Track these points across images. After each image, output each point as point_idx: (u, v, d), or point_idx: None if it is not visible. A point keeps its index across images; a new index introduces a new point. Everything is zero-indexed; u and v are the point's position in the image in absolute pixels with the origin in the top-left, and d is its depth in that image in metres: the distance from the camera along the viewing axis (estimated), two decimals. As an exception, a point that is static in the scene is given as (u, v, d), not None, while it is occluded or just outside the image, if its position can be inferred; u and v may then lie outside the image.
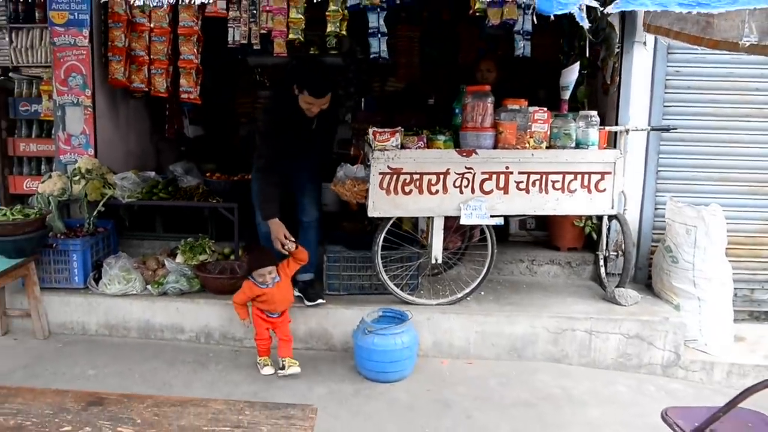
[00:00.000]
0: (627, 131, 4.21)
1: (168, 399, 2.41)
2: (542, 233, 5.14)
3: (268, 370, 3.74)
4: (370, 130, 3.75)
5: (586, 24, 1.79)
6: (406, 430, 3.21)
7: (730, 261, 4.39)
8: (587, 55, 4.76)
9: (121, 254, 4.41)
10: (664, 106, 4.58)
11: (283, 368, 3.70)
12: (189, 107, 5.98)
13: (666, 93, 4.57)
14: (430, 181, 3.78)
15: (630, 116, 4.55)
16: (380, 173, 3.74)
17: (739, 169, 4.61)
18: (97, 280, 4.34)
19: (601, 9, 1.82)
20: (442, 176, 3.78)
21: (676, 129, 4.32)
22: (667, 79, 4.56)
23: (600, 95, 4.99)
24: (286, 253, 3.73)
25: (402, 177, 3.76)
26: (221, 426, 2.21)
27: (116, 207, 4.73)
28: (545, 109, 3.85)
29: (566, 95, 4.24)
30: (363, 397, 3.54)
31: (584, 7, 1.79)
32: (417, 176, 3.77)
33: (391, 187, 3.76)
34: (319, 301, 4.04)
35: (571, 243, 4.86)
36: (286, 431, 2.19)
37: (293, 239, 3.72)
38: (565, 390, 3.72)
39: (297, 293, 4.05)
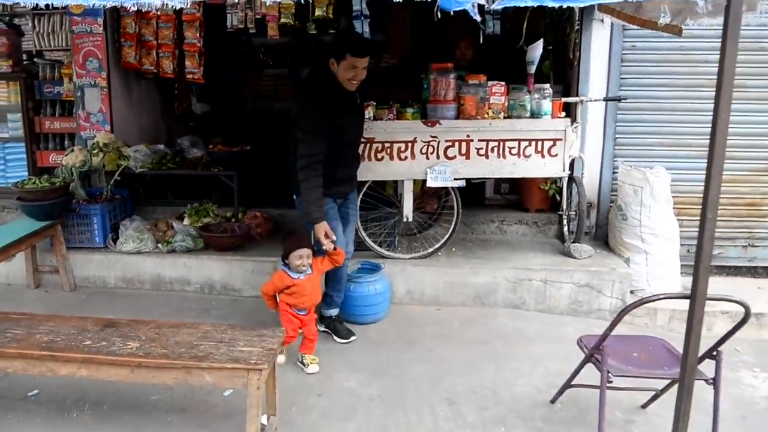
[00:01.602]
0: (582, 102, 4.68)
1: (167, 323, 3.01)
2: (514, 197, 5.63)
3: (281, 359, 3.59)
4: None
5: (477, 18, 2.25)
6: (374, 361, 3.79)
7: (683, 220, 4.88)
8: (557, 31, 5.21)
9: (135, 217, 5.02)
10: (621, 78, 5.01)
11: (302, 364, 3.64)
12: (196, 86, 6.53)
13: (622, 66, 4.99)
14: (399, 148, 4.31)
15: (589, 88, 4.99)
16: (356, 142, 4.28)
17: (691, 135, 5.03)
18: (115, 240, 4.96)
19: (488, 6, 2.28)
20: (410, 144, 4.31)
21: (627, 99, 4.77)
22: (623, 54, 4.98)
23: (568, 69, 5.42)
24: (326, 251, 3.61)
25: (374, 145, 4.29)
26: (208, 341, 2.80)
27: (132, 177, 5.32)
28: (503, 83, 4.32)
29: (532, 70, 4.69)
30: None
31: (476, 5, 2.26)
32: (388, 144, 4.30)
33: (365, 154, 4.30)
34: (352, 338, 3.98)
35: (539, 205, 5.35)
36: (257, 344, 2.76)
37: (334, 238, 3.59)
38: (519, 330, 4.26)
39: (323, 329, 4.02)
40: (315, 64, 4.99)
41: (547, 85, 4.41)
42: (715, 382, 2.82)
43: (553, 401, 3.35)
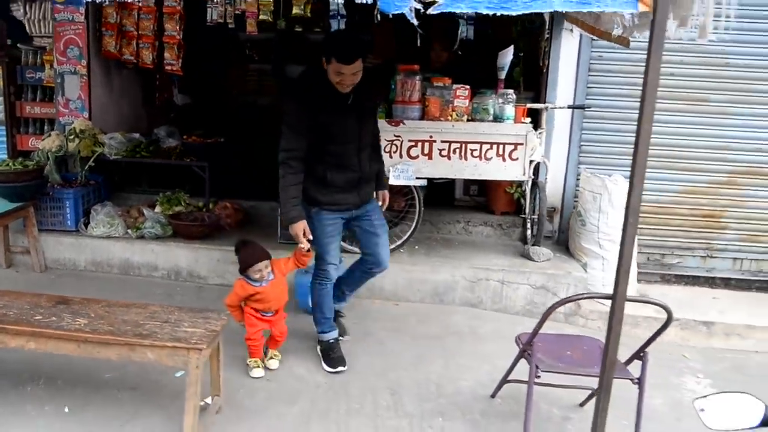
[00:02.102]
0: (547, 108, 4.80)
1: (118, 302, 3.13)
2: (483, 198, 5.76)
3: (257, 373, 3.53)
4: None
5: (415, 22, 2.36)
6: (326, 348, 3.91)
7: (642, 228, 5.02)
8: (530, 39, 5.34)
9: (107, 203, 5.14)
10: (588, 87, 5.14)
11: (265, 355, 3.63)
12: (177, 78, 6.64)
13: (590, 75, 5.13)
14: (363, 145, 4.42)
15: (557, 95, 5.12)
16: (320, 138, 4.39)
17: (653, 146, 5.09)
18: (87, 224, 5.07)
19: (423, 11, 2.39)
20: (373, 142, 4.43)
21: (591, 108, 4.90)
22: (590, 63, 5.11)
23: (539, 76, 5.55)
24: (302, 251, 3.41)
25: (339, 142, 4.40)
26: (154, 321, 2.92)
27: (108, 164, 5.42)
28: (467, 86, 4.45)
29: (502, 75, 4.82)
30: (296, 324, 4.19)
31: (413, 9, 2.37)
32: (352, 141, 4.42)
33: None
34: (340, 368, 3.61)
35: (504, 207, 5.48)
36: (201, 325, 2.88)
37: (310, 237, 3.37)
38: (473, 329, 4.37)
39: (318, 351, 3.78)
40: (303, 62, 5.05)
41: (511, 91, 4.54)
42: (640, 382, 2.95)
43: (493, 396, 3.47)
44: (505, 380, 3.33)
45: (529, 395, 2.91)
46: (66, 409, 3.16)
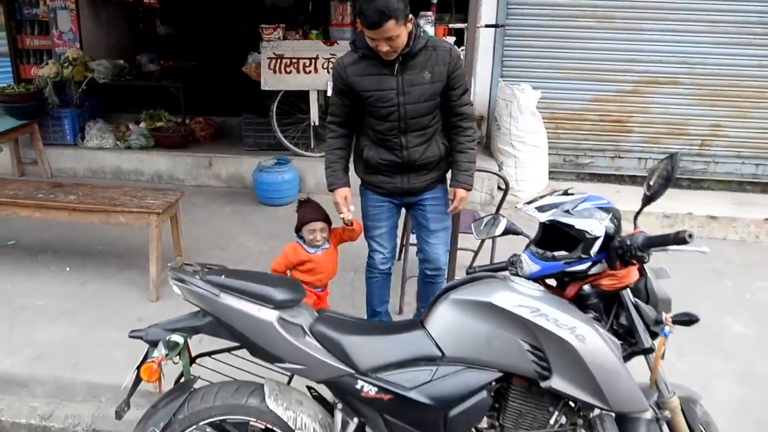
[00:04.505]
0: (467, 27, 5.54)
1: (100, 185, 4.11)
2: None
3: None
4: (261, 27, 5.19)
5: None
6: (272, 229, 4.89)
7: (560, 133, 5.85)
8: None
9: (98, 120, 6.08)
10: (508, 8, 5.84)
11: None
12: (159, 10, 7.44)
13: (510, -4, 5.84)
14: (304, 63, 5.26)
15: (481, 15, 5.83)
16: (268, 58, 5.23)
17: (568, 59, 5.91)
18: (83, 138, 6.02)
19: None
20: (313, 60, 5.25)
21: (504, 26, 5.65)
22: (511, -14, 5.82)
23: None
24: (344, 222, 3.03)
25: (284, 60, 5.24)
26: (126, 196, 3.89)
27: (99, 87, 6.31)
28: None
29: (434, -1, 5.55)
30: (253, 213, 5.24)
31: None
32: (295, 60, 5.25)
33: (277, 68, 5.26)
34: None
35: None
36: (161, 198, 3.86)
37: (352, 207, 2.99)
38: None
39: None
40: None
41: (430, 13, 5.28)
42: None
43: (399, 258, 4.42)
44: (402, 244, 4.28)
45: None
46: (68, 269, 4.20)
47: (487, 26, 5.63)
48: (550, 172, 5.83)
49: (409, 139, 2.87)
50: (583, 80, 5.95)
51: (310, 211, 3.01)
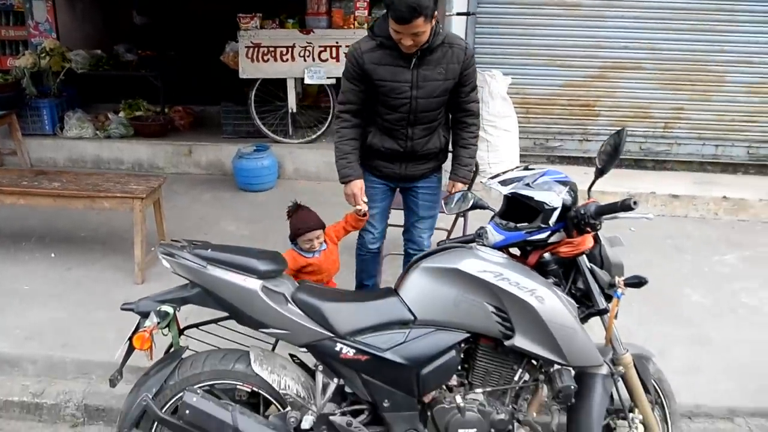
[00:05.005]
0: (440, 15, 5.71)
1: (83, 172, 4.22)
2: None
3: None
4: (238, 16, 5.30)
5: None
6: (253, 215, 5.03)
7: (530, 117, 6.05)
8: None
9: (77, 110, 6.14)
10: (479, -4, 6.02)
11: None
12: (136, 1, 7.47)
13: (481, -16, 6.00)
14: (281, 52, 5.38)
15: (454, 4, 5.99)
16: (246, 47, 5.35)
17: (537, 46, 6.10)
18: (62, 128, 6.07)
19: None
20: (290, 49, 5.38)
21: (475, 14, 5.81)
22: (481, -26, 5.98)
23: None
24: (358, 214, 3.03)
25: (261, 49, 5.36)
26: (109, 183, 4.00)
27: (78, 77, 6.35)
28: (367, -1, 5.35)
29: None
30: (233, 199, 5.36)
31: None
32: (272, 49, 5.37)
33: (254, 57, 5.38)
34: None
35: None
36: (144, 183, 3.97)
37: (365, 199, 3.03)
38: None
39: None
40: None
41: None
42: (464, 215, 4.04)
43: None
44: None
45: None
46: (53, 255, 4.30)
47: (458, 14, 5.79)
48: (521, 155, 6.02)
49: (415, 131, 2.94)
50: (552, 66, 6.13)
51: (303, 221, 3.00)
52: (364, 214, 2.99)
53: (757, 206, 5.35)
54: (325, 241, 3.06)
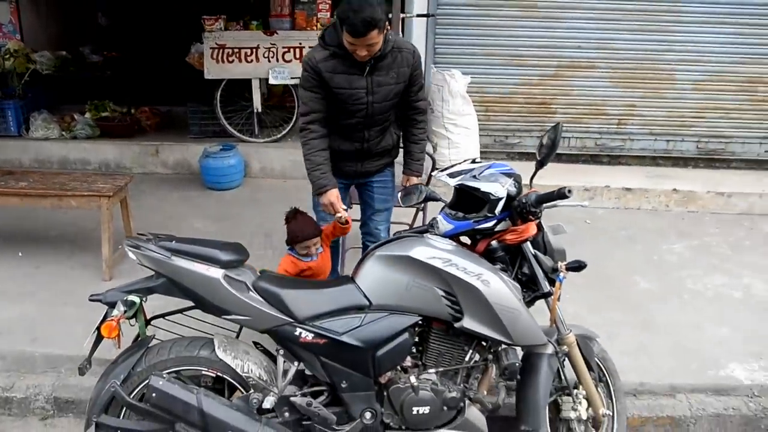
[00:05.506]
0: (401, 18, 5.87)
1: (50, 172, 4.28)
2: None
3: None
4: (203, 18, 5.39)
5: None
6: (220, 212, 5.13)
7: (491, 115, 6.24)
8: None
9: (43, 111, 6.16)
10: (439, -2, 6.19)
11: None
12: (102, 3, 7.49)
13: (441, -13, 6.17)
14: (246, 53, 5.49)
15: (414, 5, 6.16)
16: (211, 48, 5.44)
17: (495, 46, 6.29)
18: (28, 130, 6.08)
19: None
20: (254, 50, 5.49)
21: (435, 16, 5.98)
22: (441, -23, 6.15)
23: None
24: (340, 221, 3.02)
25: (226, 50, 5.46)
26: (76, 182, 4.06)
27: (43, 78, 6.36)
28: (329, 1, 5.49)
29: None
30: (201, 197, 5.45)
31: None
32: (237, 50, 5.47)
33: (219, 58, 5.47)
34: None
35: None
36: (110, 182, 4.04)
37: (344, 207, 3.04)
38: (342, 195, 5.62)
39: None
40: None
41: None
42: (424, 208, 4.20)
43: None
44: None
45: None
46: (20, 254, 4.34)
47: (418, 16, 5.95)
48: (482, 153, 6.20)
49: (371, 133, 3.07)
50: (509, 66, 6.33)
51: (302, 228, 2.98)
52: (346, 222, 3.01)
53: (705, 198, 5.62)
54: (321, 244, 3.09)
